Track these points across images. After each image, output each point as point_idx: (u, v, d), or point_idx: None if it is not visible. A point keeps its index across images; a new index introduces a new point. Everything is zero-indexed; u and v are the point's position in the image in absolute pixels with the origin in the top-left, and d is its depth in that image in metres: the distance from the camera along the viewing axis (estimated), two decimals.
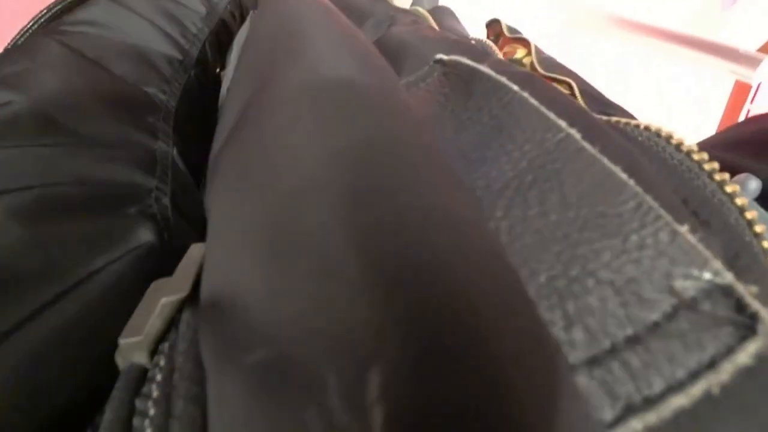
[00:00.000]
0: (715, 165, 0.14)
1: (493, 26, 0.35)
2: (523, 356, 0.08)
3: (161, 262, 0.17)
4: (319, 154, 0.11)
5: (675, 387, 0.10)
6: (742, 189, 0.17)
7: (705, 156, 0.14)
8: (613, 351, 0.10)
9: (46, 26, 0.26)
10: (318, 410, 0.07)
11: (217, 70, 0.32)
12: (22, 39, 0.25)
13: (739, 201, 0.13)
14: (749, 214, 0.13)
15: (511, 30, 0.32)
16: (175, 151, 0.23)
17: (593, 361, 0.10)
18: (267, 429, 0.07)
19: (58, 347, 0.13)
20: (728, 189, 0.13)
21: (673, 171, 0.14)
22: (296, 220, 0.10)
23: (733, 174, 0.19)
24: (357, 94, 0.13)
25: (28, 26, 0.26)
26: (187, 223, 0.21)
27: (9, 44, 0.25)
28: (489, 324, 0.08)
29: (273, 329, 0.08)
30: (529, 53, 0.35)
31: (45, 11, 0.26)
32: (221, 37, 0.32)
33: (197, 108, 0.27)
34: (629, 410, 0.10)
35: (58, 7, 0.26)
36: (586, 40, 0.94)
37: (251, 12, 0.33)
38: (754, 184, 0.16)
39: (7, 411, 0.12)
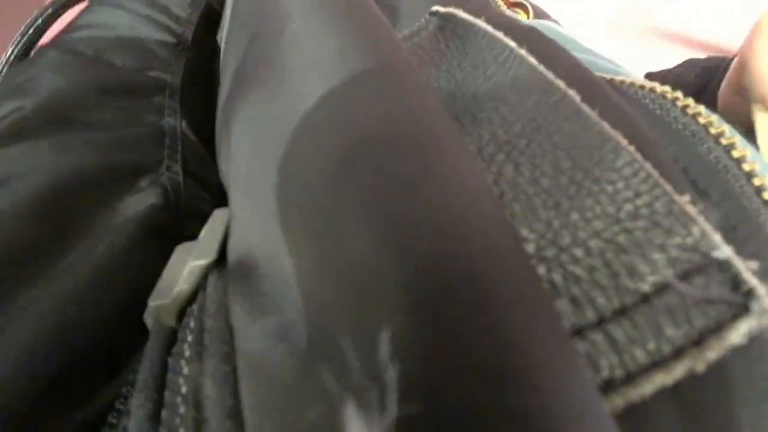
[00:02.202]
0: (724, 128, 0.13)
1: None
2: (530, 319, 0.08)
3: (168, 219, 0.19)
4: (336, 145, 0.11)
5: (658, 362, 0.09)
6: None
7: (713, 119, 0.13)
8: (599, 323, 0.10)
9: (48, 24, 0.29)
10: (334, 371, 0.07)
11: (212, 47, 0.34)
12: (19, 44, 0.29)
13: (746, 166, 0.12)
14: (758, 180, 0.12)
15: None
16: (184, 124, 0.25)
17: (578, 332, 0.10)
18: (286, 391, 0.08)
19: (76, 300, 0.15)
20: (735, 154, 0.13)
21: (676, 136, 0.13)
22: (310, 182, 0.10)
23: None
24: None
25: (24, 30, 0.29)
26: (200, 187, 0.23)
27: (9, 50, 0.29)
28: (496, 284, 0.08)
29: (290, 290, 0.09)
30: (527, 18, 0.33)
31: (37, 14, 0.29)
32: (211, 17, 0.34)
33: (200, 84, 0.30)
34: (611, 384, 0.09)
35: (48, 11, 0.30)
36: None
37: None
38: None
39: (43, 345, 0.13)
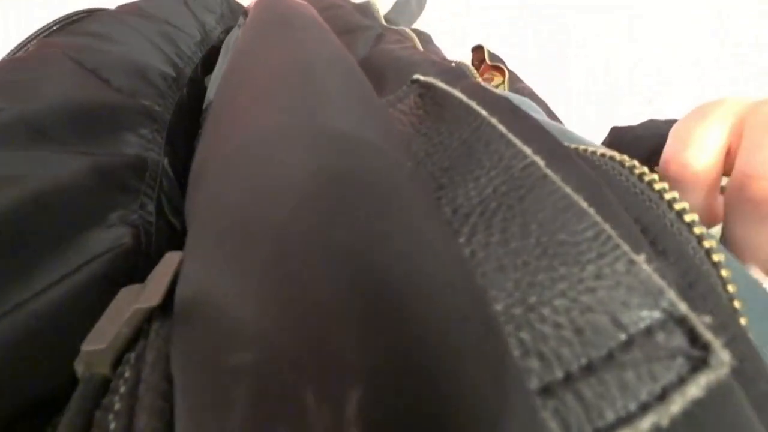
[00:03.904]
0: (675, 194, 0.14)
1: (477, 52, 0.36)
2: (492, 385, 0.08)
3: (136, 264, 0.18)
4: (298, 177, 0.11)
5: (625, 419, 0.10)
6: None
7: (665, 185, 0.14)
8: (567, 380, 0.10)
9: (57, 31, 0.28)
10: (292, 427, 0.07)
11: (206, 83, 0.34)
12: (31, 45, 0.27)
13: (697, 230, 0.14)
14: (707, 243, 0.13)
15: (492, 57, 0.33)
16: (166, 161, 0.24)
17: (547, 390, 0.10)
18: None
19: (26, 345, 0.13)
20: (687, 218, 0.14)
21: (635, 200, 0.14)
22: (276, 235, 0.10)
23: None
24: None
25: (37, 33, 0.28)
26: (171, 229, 0.22)
27: (16, 48, 0.27)
28: (460, 351, 0.08)
29: (252, 341, 0.08)
30: (503, 81, 0.36)
31: (53, 24, 0.29)
32: (212, 60, 0.35)
33: (187, 122, 0.29)
34: None
35: (65, 21, 0.29)
36: None
37: (243, 18, 0.34)
38: None
39: None
